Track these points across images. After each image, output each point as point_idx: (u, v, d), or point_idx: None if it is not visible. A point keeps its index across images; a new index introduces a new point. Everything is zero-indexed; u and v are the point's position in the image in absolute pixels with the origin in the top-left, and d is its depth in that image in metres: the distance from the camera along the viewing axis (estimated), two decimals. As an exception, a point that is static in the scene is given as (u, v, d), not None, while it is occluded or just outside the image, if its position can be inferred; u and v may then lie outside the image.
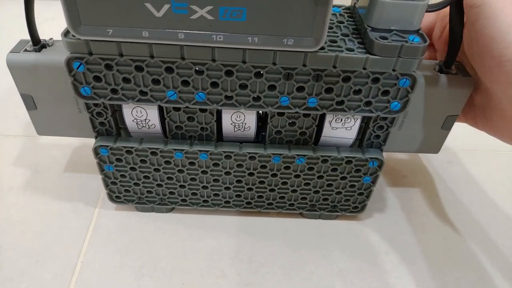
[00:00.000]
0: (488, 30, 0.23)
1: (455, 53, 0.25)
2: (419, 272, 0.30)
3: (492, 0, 0.23)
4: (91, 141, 0.28)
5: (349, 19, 0.26)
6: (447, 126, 0.28)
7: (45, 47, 0.26)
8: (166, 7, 0.20)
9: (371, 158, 0.28)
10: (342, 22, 0.25)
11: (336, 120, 0.27)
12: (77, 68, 0.23)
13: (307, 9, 0.20)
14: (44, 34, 0.26)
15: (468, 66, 0.27)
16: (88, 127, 0.28)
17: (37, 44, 0.25)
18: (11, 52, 0.25)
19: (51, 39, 0.27)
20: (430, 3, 0.23)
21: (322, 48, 0.22)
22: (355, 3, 0.26)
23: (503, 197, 0.37)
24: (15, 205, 0.33)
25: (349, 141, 0.28)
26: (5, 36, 0.52)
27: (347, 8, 0.27)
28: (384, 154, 0.29)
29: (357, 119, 0.27)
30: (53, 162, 0.37)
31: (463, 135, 0.41)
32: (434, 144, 0.30)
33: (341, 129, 0.27)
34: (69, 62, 0.23)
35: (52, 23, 0.34)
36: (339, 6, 0.27)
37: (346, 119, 0.27)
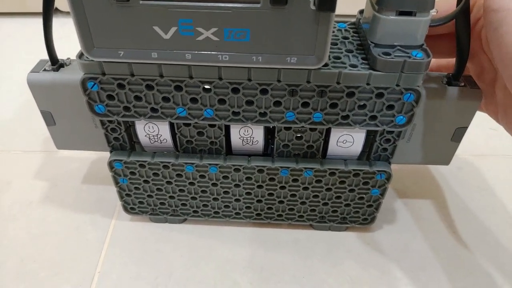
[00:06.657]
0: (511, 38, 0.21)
1: (463, 66, 0.25)
2: (429, 279, 0.30)
3: None
4: (107, 155, 0.29)
5: (354, 34, 0.26)
6: (456, 138, 0.28)
7: (63, 66, 0.27)
8: (173, 29, 0.21)
9: (378, 171, 0.28)
10: (347, 38, 0.26)
11: (342, 141, 0.27)
12: (91, 88, 0.24)
13: (309, 28, 0.20)
14: (60, 51, 0.27)
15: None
16: (104, 142, 0.29)
17: (55, 63, 0.26)
18: (31, 72, 0.27)
19: (68, 58, 0.28)
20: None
21: (326, 65, 0.23)
22: (359, 19, 0.26)
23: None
24: (35, 219, 0.34)
25: (354, 157, 0.29)
26: (26, 55, 0.54)
27: (353, 23, 0.27)
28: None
29: (360, 141, 0.27)
30: (71, 175, 0.38)
31: (472, 141, 0.41)
32: (444, 156, 0.30)
33: (346, 149, 0.28)
34: (83, 82, 0.24)
35: (67, 40, 0.35)
36: (345, 22, 0.27)
37: (350, 141, 0.27)
